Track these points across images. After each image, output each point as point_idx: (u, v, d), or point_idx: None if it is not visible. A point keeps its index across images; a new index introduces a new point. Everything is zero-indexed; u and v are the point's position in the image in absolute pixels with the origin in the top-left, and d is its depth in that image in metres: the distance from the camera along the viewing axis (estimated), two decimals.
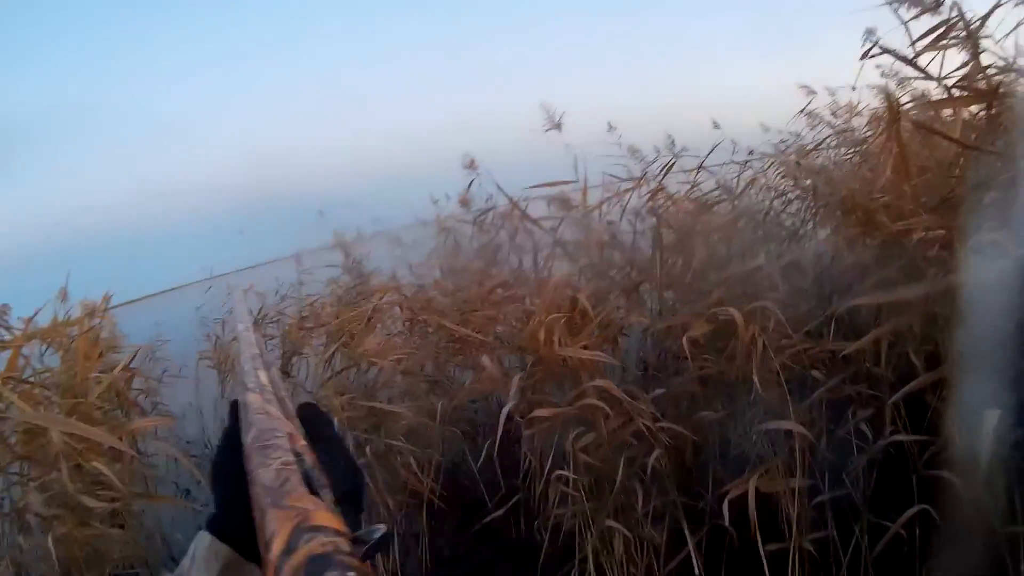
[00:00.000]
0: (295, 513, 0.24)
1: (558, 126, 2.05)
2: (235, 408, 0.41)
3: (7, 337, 2.74)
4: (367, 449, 2.30)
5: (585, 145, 2.06)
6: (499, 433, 1.70)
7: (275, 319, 4.44)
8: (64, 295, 3.18)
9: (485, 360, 1.85)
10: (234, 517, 0.33)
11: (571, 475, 1.61)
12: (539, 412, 1.62)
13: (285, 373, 4.18)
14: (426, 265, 3.18)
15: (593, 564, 1.64)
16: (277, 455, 0.30)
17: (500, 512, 1.96)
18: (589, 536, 1.63)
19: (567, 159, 2.04)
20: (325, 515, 0.24)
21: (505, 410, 1.65)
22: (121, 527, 2.28)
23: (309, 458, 0.31)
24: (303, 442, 0.33)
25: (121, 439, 2.62)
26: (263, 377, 0.41)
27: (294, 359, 4.23)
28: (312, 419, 0.39)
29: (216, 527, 0.35)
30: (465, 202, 2.67)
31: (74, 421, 2.06)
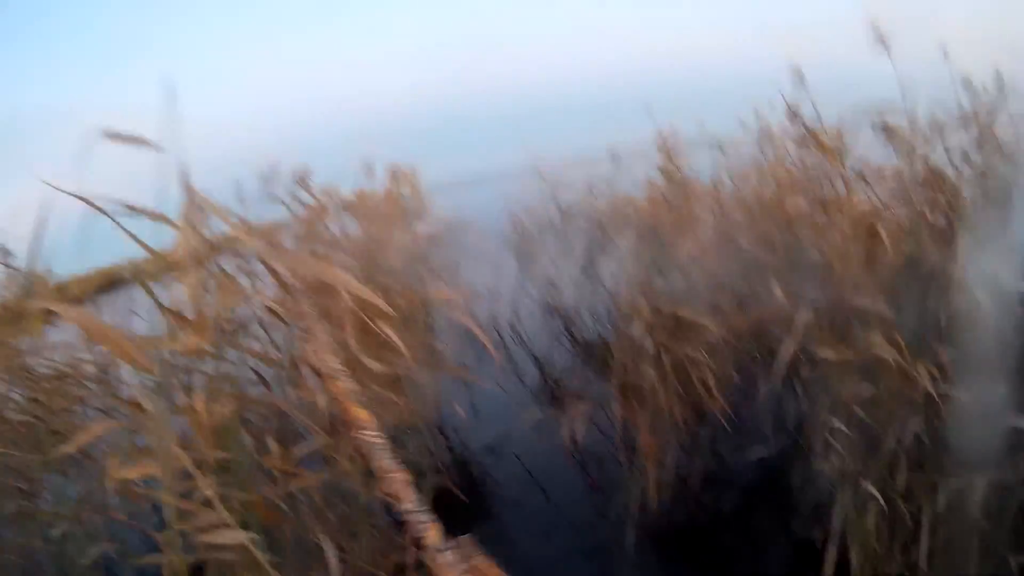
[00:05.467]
0: None
1: (886, 46, 2.28)
2: None
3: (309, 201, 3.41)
4: (666, 357, 3.01)
5: (913, 69, 2.26)
6: (779, 367, 2.22)
7: (583, 214, 5.39)
8: (370, 169, 3.85)
9: (775, 288, 2.35)
10: None
11: (841, 427, 1.97)
12: (824, 352, 2.02)
13: (588, 272, 5.13)
14: (746, 176, 3.65)
15: (842, 526, 1.98)
16: None
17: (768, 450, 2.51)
18: (841, 495, 1.98)
19: (891, 82, 2.28)
20: None
21: (786, 346, 2.16)
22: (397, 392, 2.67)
23: None
24: None
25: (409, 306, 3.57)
26: None
27: (599, 257, 5.15)
28: None
29: None
30: (793, 117, 3.02)
31: (361, 285, 2.83)
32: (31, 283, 2.79)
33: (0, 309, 2.87)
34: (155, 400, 1.63)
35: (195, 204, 1.76)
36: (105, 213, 1.59)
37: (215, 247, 2.02)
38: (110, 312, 3.22)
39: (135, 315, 2.91)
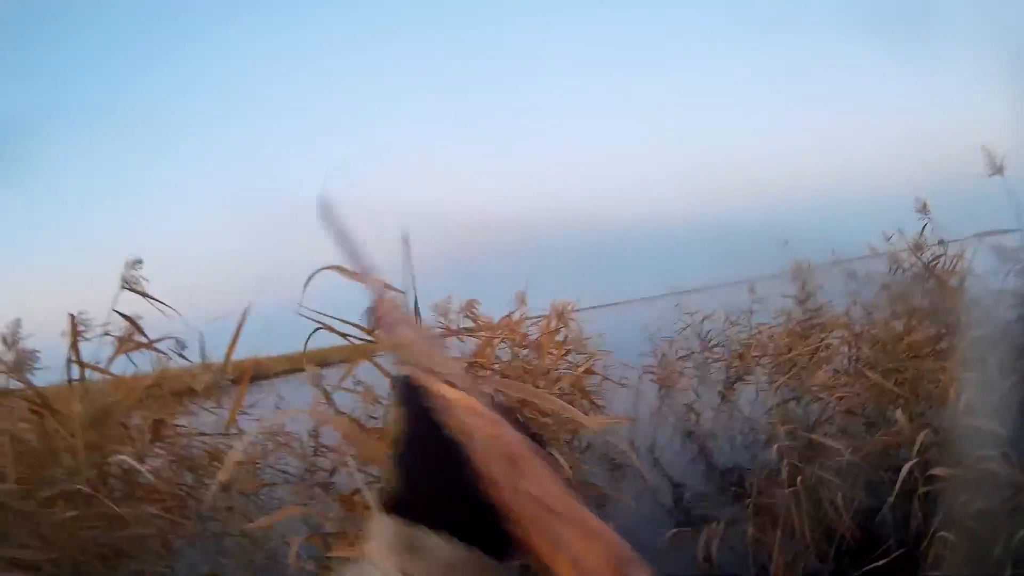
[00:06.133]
0: (609, 548, 0.34)
1: (1000, 171, 2.47)
2: (410, 389, 0.50)
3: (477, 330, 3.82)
4: (798, 479, 3.10)
5: None
6: (898, 485, 2.33)
7: (722, 343, 5.57)
8: (523, 299, 4.24)
9: (899, 414, 2.47)
10: (421, 496, 0.44)
11: (952, 538, 2.03)
12: (937, 471, 2.16)
13: (725, 397, 5.25)
14: (877, 304, 3.75)
15: None
16: (533, 467, 0.38)
17: (885, 561, 2.52)
18: None
19: (1009, 204, 2.43)
20: (610, 533, 0.34)
21: (906, 467, 2.28)
22: None
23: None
24: (532, 443, 0.41)
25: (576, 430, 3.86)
26: (451, 366, 0.50)
27: (737, 384, 5.26)
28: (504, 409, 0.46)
29: (401, 506, 0.44)
30: (918, 248, 3.19)
31: (560, 400, 3.15)
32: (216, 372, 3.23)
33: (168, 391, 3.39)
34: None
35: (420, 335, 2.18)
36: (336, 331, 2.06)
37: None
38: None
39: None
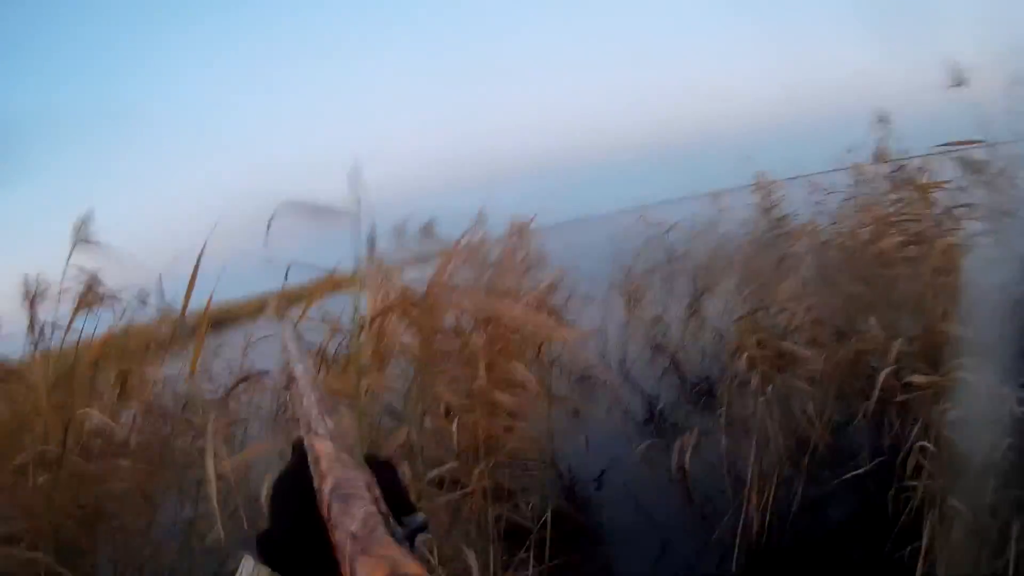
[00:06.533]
0: (386, 562, 0.33)
1: (961, 83, 2.44)
2: (298, 446, 0.55)
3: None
4: (769, 387, 3.14)
5: (991, 99, 2.37)
6: (874, 395, 2.36)
7: (684, 255, 5.57)
8: (482, 217, 3.92)
9: (871, 322, 2.50)
10: (287, 546, 0.49)
11: (931, 447, 2.07)
12: (914, 378, 2.18)
13: (694, 310, 5.28)
14: (842, 214, 3.77)
15: (930, 541, 2.05)
16: (359, 504, 0.40)
17: (861, 471, 2.54)
18: (931, 513, 2.05)
19: (972, 115, 2.40)
20: (414, 565, 0.32)
21: (882, 375, 2.31)
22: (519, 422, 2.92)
23: (383, 507, 0.41)
24: (378, 492, 0.43)
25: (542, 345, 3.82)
26: (331, 424, 0.54)
27: (704, 296, 5.29)
28: (378, 468, 0.49)
29: (266, 552, 0.48)
30: (882, 157, 3.18)
31: (531, 312, 2.91)
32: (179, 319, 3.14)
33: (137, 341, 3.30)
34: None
35: (379, 267, 2.11)
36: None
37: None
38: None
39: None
